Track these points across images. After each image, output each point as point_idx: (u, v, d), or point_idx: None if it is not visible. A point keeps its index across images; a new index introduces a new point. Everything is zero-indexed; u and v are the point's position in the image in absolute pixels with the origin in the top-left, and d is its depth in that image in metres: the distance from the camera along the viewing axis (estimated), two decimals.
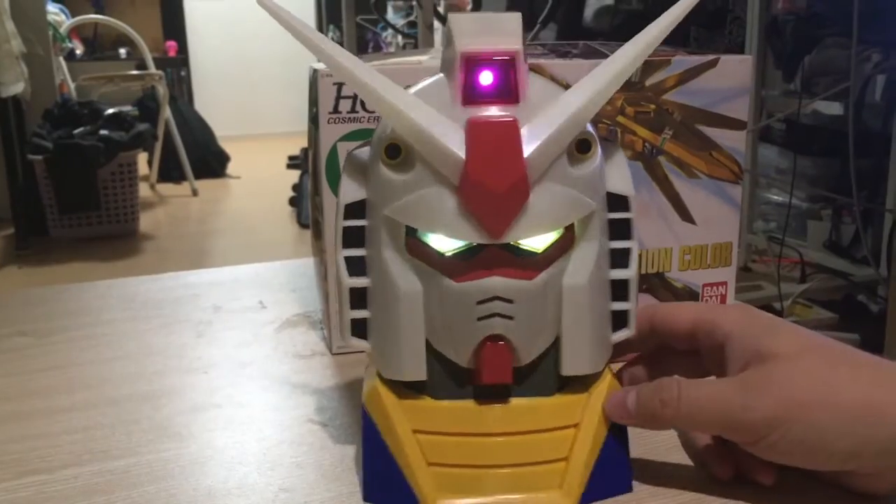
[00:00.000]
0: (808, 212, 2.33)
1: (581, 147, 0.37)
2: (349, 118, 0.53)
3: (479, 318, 0.37)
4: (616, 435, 0.39)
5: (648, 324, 0.42)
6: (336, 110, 0.52)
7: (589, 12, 2.59)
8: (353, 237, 0.39)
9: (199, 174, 4.15)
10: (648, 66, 0.55)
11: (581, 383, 0.39)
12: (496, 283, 0.36)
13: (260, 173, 4.53)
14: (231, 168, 4.56)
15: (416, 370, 0.38)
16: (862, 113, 1.97)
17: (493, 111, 0.36)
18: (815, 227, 2.29)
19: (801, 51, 2.18)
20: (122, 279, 0.77)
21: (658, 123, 0.57)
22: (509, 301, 0.36)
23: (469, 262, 0.36)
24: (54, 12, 3.71)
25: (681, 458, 0.41)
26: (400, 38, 4.36)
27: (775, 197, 2.45)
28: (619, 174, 0.40)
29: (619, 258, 0.40)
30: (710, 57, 0.56)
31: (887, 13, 1.85)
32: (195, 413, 0.49)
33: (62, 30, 3.65)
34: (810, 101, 2.11)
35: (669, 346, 0.42)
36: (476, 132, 0.35)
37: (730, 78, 0.57)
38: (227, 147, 4.60)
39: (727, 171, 0.58)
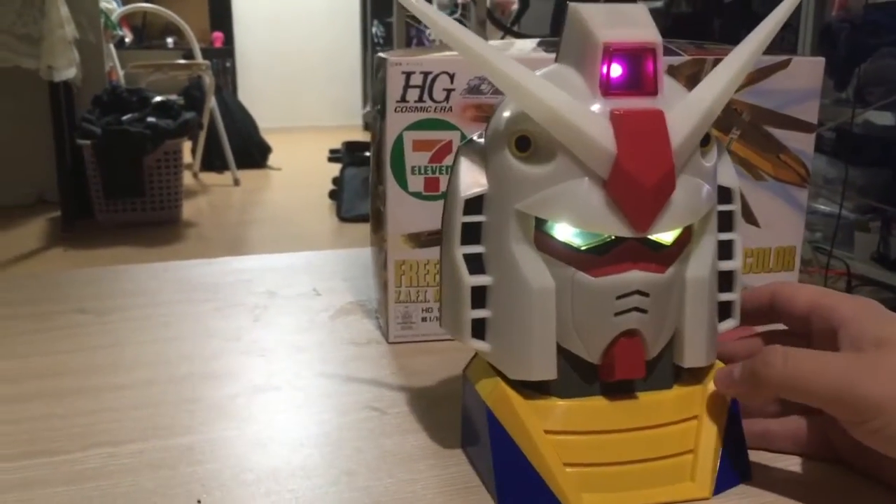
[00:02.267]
0: (855, 223, 2.29)
1: (702, 140, 0.37)
2: (416, 107, 0.53)
3: (617, 314, 0.36)
4: (734, 424, 0.39)
5: (769, 300, 0.42)
6: (403, 99, 0.53)
7: None
8: (470, 233, 0.38)
9: (241, 164, 4.19)
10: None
11: (693, 375, 0.39)
12: (636, 276, 0.36)
13: (301, 165, 4.56)
14: (272, 159, 4.60)
15: (547, 369, 0.37)
16: None
17: (634, 102, 0.35)
18: (862, 238, 2.24)
19: (855, 59, 2.14)
20: (176, 262, 0.78)
21: (726, 123, 0.56)
22: (646, 295, 0.36)
23: (605, 256, 0.36)
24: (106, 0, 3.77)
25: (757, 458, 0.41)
26: None
27: (822, 207, 2.40)
28: (725, 167, 0.40)
29: (724, 249, 0.40)
30: (782, 57, 0.55)
31: None
32: (255, 394, 0.49)
33: (113, 17, 3.70)
34: (864, 110, 2.07)
35: (781, 325, 0.42)
36: (626, 124, 0.34)
37: (801, 79, 0.56)
38: (269, 138, 4.64)
39: (794, 175, 0.57)
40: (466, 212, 0.38)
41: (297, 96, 6.09)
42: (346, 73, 6.01)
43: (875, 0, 2.22)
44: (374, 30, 5.74)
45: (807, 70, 0.56)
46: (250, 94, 5.64)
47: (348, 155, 3.56)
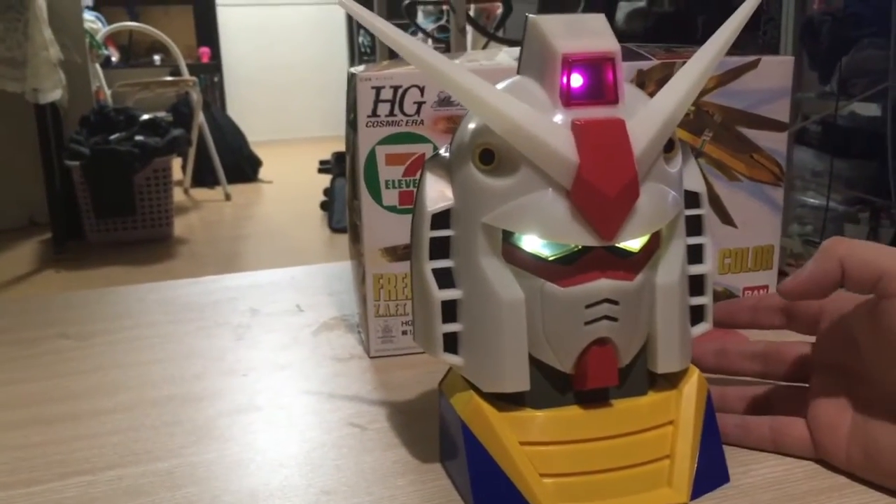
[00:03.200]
0: (844, 215, 2.30)
1: (665, 146, 0.37)
2: (388, 121, 0.53)
3: (587, 323, 0.36)
4: (710, 428, 0.39)
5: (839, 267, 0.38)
6: (374, 114, 0.53)
7: (621, 15, 2.58)
8: (438, 248, 0.38)
9: (232, 179, 4.19)
10: None
11: (667, 380, 0.40)
12: (605, 285, 0.36)
13: (292, 178, 4.56)
14: (263, 173, 4.60)
15: (520, 381, 0.37)
16: None
17: (595, 112, 0.35)
18: (852, 230, 2.25)
19: (838, 52, 2.15)
20: (162, 282, 0.78)
21: (698, 125, 0.56)
22: (615, 303, 0.36)
23: (573, 265, 0.36)
24: (90, 20, 3.77)
25: (734, 461, 0.41)
26: (430, 42, 4.37)
27: (811, 200, 2.41)
28: (691, 172, 0.40)
29: (694, 254, 0.40)
30: (751, 58, 0.56)
31: None
32: (236, 415, 0.49)
33: (98, 37, 3.70)
34: (847, 102, 2.08)
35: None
36: (587, 133, 0.34)
37: (770, 79, 0.56)
38: (259, 152, 4.64)
39: (768, 174, 0.58)
40: (434, 226, 0.38)
41: (286, 108, 6.09)
42: (335, 84, 6.01)
43: None
44: (360, 39, 5.75)
45: (776, 69, 0.56)
46: (239, 108, 5.64)
47: (338, 165, 3.57)
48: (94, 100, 3.48)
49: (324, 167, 3.92)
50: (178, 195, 3.67)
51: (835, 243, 0.38)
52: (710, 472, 0.39)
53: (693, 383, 0.39)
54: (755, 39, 2.28)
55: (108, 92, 3.91)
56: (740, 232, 0.58)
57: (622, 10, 2.62)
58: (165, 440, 0.46)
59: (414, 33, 4.59)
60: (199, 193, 4.18)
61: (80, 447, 0.45)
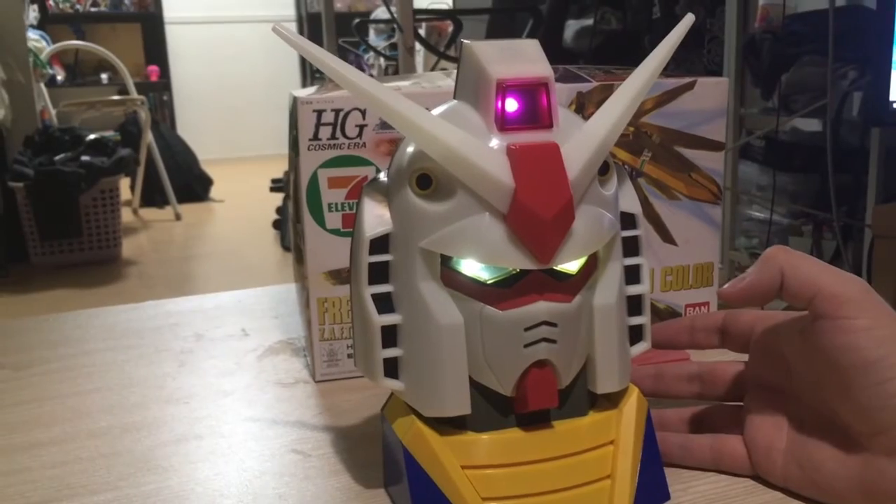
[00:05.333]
0: (789, 228, 2.35)
1: (600, 169, 0.38)
2: (329, 145, 0.53)
3: (526, 345, 0.36)
4: (650, 447, 0.39)
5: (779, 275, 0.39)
6: (316, 137, 0.52)
7: (569, 33, 2.61)
8: (377, 272, 0.38)
9: (183, 198, 4.13)
10: None
11: (608, 400, 0.40)
12: (543, 307, 0.36)
13: (243, 197, 4.52)
14: (214, 192, 4.55)
15: (461, 405, 0.37)
16: (840, 129, 1.99)
17: (530, 136, 0.36)
18: (796, 242, 2.30)
19: (778, 69, 2.21)
20: (102, 308, 0.76)
21: (637, 146, 0.57)
22: (554, 325, 0.36)
23: (511, 288, 0.36)
24: (35, 39, 3.70)
25: (675, 479, 0.41)
26: (382, 60, 4.37)
27: (757, 214, 2.46)
28: (627, 193, 0.41)
29: (631, 274, 0.40)
30: (688, 79, 0.57)
31: (862, 31, 1.87)
32: (176, 445, 0.48)
33: (43, 56, 3.63)
34: (789, 118, 2.13)
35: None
36: (522, 158, 0.35)
37: (707, 100, 0.57)
38: (210, 171, 4.59)
39: (707, 193, 0.59)
40: (372, 251, 0.38)
41: (237, 127, 6.04)
42: (286, 101, 5.98)
43: (794, 11, 2.30)
44: None
45: (712, 91, 0.57)
46: (189, 126, 5.59)
47: (290, 185, 3.54)
48: (38, 119, 3.41)
49: (276, 185, 3.89)
50: (126, 216, 3.61)
51: (776, 252, 0.39)
52: (651, 491, 0.39)
53: (633, 403, 0.40)
54: (700, 58, 2.33)
55: (53, 112, 3.83)
56: (681, 250, 0.59)
57: (570, 29, 2.66)
58: (103, 473, 0.45)
59: (365, 51, 4.60)
60: (149, 213, 4.12)
61: (13, 482, 0.44)
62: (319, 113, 0.52)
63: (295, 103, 0.53)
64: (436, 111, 0.37)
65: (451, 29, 3.42)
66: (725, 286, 0.40)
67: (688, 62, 2.26)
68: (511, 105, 0.36)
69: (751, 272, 0.39)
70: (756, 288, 0.39)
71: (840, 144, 1.94)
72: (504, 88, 0.36)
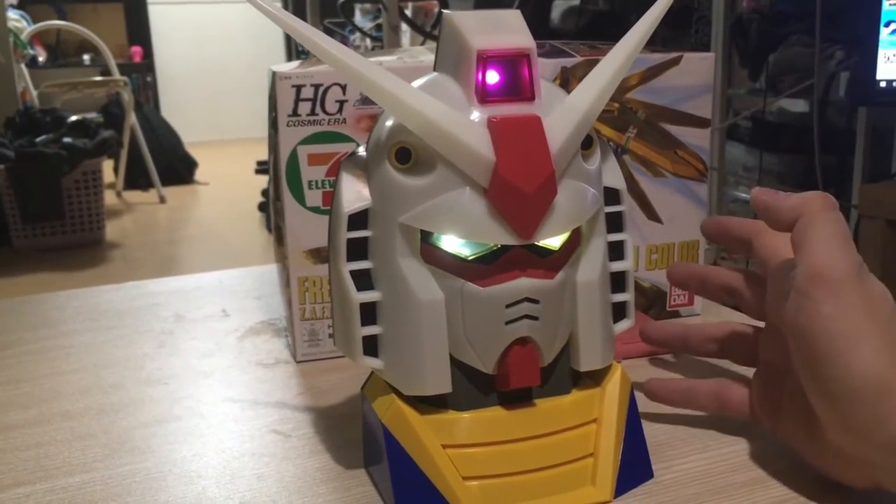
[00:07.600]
0: None
1: (584, 143, 0.37)
2: (309, 121, 0.52)
3: (508, 322, 0.36)
4: (633, 424, 0.39)
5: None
6: (295, 113, 0.51)
7: (556, 13, 2.60)
8: (356, 249, 0.37)
9: (167, 181, 4.10)
10: None
11: (591, 378, 0.39)
12: (524, 284, 0.35)
13: (228, 179, 4.48)
14: (199, 174, 4.51)
15: (441, 383, 0.36)
16: (827, 110, 1.99)
17: (512, 109, 0.35)
18: None
19: (766, 49, 2.20)
20: (82, 289, 0.75)
21: (622, 122, 0.56)
22: (536, 302, 0.36)
23: (493, 265, 0.35)
24: (15, 18, 3.65)
25: (658, 457, 0.41)
26: (368, 41, 4.34)
27: (743, 194, 2.47)
28: (611, 168, 0.40)
29: (615, 251, 0.40)
30: (673, 54, 0.56)
31: (849, 11, 1.87)
32: (154, 426, 0.47)
33: (23, 36, 3.59)
34: (775, 98, 2.13)
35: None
36: (503, 131, 0.34)
37: (693, 75, 0.57)
38: (194, 153, 4.55)
39: (692, 170, 0.58)
40: (351, 227, 0.37)
41: (221, 108, 5.99)
42: None
43: None
44: None
45: (698, 66, 0.57)
46: (173, 108, 5.53)
47: None
48: (19, 101, 3.37)
49: (261, 167, 3.86)
50: (110, 198, 3.58)
51: (811, 202, 0.38)
52: (634, 469, 0.38)
53: (616, 380, 0.39)
54: (687, 38, 2.32)
55: (34, 93, 3.78)
56: (666, 227, 0.58)
57: (557, 9, 2.64)
58: (77, 455, 0.44)
59: (351, 32, 4.56)
60: (133, 196, 4.08)
61: None
62: (298, 88, 0.51)
63: (274, 78, 0.52)
64: (415, 83, 0.36)
65: (437, 10, 3.40)
66: (758, 189, 0.39)
67: (675, 42, 2.25)
68: (492, 77, 0.35)
69: (781, 198, 0.38)
70: (770, 213, 0.38)
71: (827, 125, 1.94)
72: (485, 60, 0.35)
